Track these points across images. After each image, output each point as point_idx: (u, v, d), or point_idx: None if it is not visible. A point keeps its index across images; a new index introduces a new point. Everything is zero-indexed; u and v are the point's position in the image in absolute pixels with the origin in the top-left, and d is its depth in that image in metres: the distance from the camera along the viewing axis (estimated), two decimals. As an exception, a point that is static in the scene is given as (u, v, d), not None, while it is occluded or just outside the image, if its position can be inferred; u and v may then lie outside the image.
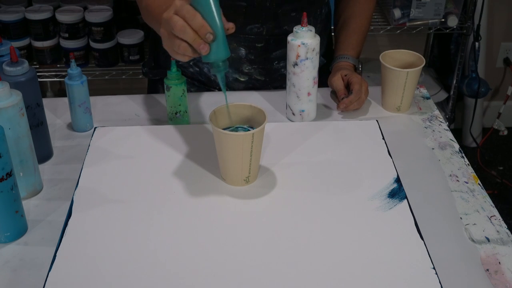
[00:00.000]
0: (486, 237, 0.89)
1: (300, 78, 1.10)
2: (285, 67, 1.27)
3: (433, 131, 1.14)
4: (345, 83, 1.18)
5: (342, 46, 1.27)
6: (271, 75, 1.28)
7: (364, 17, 1.29)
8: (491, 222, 0.92)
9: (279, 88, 1.29)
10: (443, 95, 2.53)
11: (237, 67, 1.26)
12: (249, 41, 1.22)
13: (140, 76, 2.22)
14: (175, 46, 0.87)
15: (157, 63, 1.35)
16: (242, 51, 1.23)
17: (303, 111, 1.14)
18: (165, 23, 0.87)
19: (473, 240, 0.89)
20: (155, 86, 1.37)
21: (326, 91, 1.26)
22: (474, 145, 2.67)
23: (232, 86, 1.29)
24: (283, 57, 1.26)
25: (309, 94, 1.12)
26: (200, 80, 1.30)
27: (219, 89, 1.30)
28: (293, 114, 1.15)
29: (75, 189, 0.95)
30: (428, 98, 1.25)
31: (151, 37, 1.41)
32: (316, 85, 1.13)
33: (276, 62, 1.26)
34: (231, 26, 0.88)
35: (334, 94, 1.22)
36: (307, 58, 1.08)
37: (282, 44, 1.22)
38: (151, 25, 1.10)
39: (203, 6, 0.84)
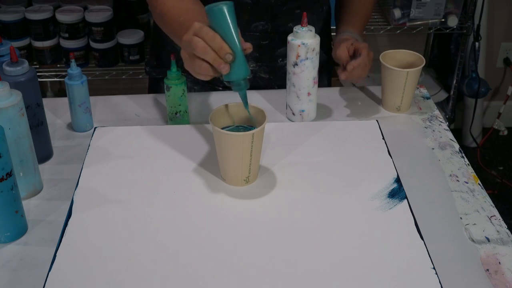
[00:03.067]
0: (486, 237, 0.89)
1: (300, 78, 1.10)
2: None
3: (433, 131, 1.14)
4: (350, 53, 1.17)
5: (345, 23, 1.27)
6: (275, 72, 1.28)
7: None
8: (491, 222, 0.92)
9: (282, 86, 1.29)
10: (443, 95, 2.53)
11: None
12: (254, 39, 1.23)
13: (141, 76, 2.22)
14: (196, 67, 0.89)
15: (160, 62, 1.36)
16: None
17: (303, 111, 1.14)
18: (186, 45, 0.90)
19: (473, 240, 0.89)
20: (156, 85, 1.37)
21: (326, 91, 1.26)
22: (474, 145, 2.67)
23: None
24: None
25: (309, 94, 1.12)
26: (210, 81, 1.30)
27: (224, 87, 1.30)
28: (293, 114, 1.15)
29: (75, 189, 0.95)
30: (428, 98, 1.25)
31: (152, 36, 1.41)
32: (316, 85, 1.13)
33: (280, 59, 1.27)
34: (248, 46, 0.90)
35: (337, 66, 1.20)
36: (307, 58, 1.08)
37: (287, 42, 1.23)
38: (166, 32, 1.11)
39: (222, 27, 0.87)
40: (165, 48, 1.32)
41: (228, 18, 0.86)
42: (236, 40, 0.87)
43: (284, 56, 1.26)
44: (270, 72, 1.27)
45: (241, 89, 0.91)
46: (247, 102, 0.93)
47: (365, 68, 1.15)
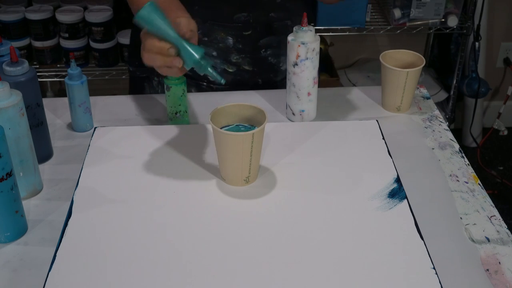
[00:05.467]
0: (486, 237, 0.89)
1: (300, 78, 1.10)
2: (272, 55, 1.28)
3: (433, 131, 1.14)
4: None
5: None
6: (259, 64, 1.28)
7: None
8: (491, 222, 0.92)
9: (267, 80, 1.29)
10: (443, 95, 2.53)
11: (225, 57, 1.26)
12: (236, 30, 1.23)
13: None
14: (163, 73, 0.96)
15: (141, 61, 1.35)
16: (230, 40, 1.24)
17: (303, 111, 1.14)
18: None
19: (473, 240, 0.89)
20: (140, 84, 1.37)
21: (326, 91, 1.26)
22: (474, 145, 2.67)
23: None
24: (270, 45, 1.26)
25: (309, 94, 1.12)
26: (193, 77, 1.30)
27: (208, 83, 1.30)
28: (293, 114, 1.15)
29: (75, 189, 0.95)
30: (428, 98, 1.25)
31: (132, 36, 1.41)
32: (316, 85, 1.13)
33: (263, 50, 1.27)
34: (189, 29, 0.94)
35: None
36: (307, 58, 1.08)
37: (269, 32, 1.24)
38: None
39: (154, 28, 0.91)
40: None
41: (154, 18, 0.90)
42: (170, 32, 0.91)
43: (267, 46, 1.26)
44: (253, 64, 1.27)
45: (205, 68, 0.93)
46: (218, 75, 0.95)
47: None
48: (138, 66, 1.36)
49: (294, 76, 1.10)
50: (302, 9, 1.27)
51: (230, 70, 1.28)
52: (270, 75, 1.31)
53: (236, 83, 1.29)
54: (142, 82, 1.36)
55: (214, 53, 1.25)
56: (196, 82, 1.30)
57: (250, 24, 1.23)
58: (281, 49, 1.28)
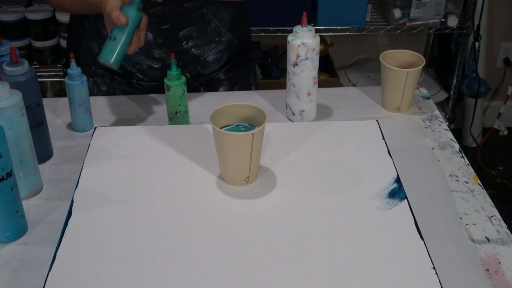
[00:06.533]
0: (486, 237, 0.89)
1: (300, 78, 1.10)
2: (194, 46, 1.27)
3: (433, 131, 1.14)
4: None
5: None
6: (183, 57, 1.27)
7: None
8: (491, 222, 0.92)
9: (194, 73, 1.30)
10: (443, 95, 2.53)
11: (148, 53, 1.25)
12: (154, 24, 1.22)
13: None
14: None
15: (78, 62, 1.34)
16: (150, 35, 1.23)
17: (303, 111, 1.14)
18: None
19: (473, 240, 0.89)
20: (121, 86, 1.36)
21: (326, 91, 1.26)
22: (474, 145, 2.67)
23: (147, 74, 1.29)
24: (191, 36, 1.25)
25: (309, 94, 1.12)
26: (123, 74, 1.31)
27: (138, 80, 1.30)
28: (293, 114, 1.15)
29: (75, 189, 0.95)
30: (428, 98, 1.25)
31: (68, 37, 1.40)
32: (316, 85, 1.13)
33: (184, 42, 1.26)
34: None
35: None
36: (307, 58, 1.07)
37: (187, 23, 1.23)
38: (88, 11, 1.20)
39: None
40: (80, 47, 1.32)
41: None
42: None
43: (188, 38, 1.25)
44: (178, 58, 1.26)
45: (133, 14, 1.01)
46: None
47: None
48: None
49: (294, 76, 1.10)
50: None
51: (156, 66, 1.27)
52: (197, 68, 1.30)
53: (193, 82, 1.29)
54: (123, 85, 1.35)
55: (137, 50, 1.24)
56: (126, 80, 1.30)
57: (166, 17, 1.22)
58: (203, 39, 1.27)
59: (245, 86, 1.39)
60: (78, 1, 1.19)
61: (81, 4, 1.19)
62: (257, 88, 1.43)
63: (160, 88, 1.27)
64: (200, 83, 1.32)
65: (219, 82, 1.35)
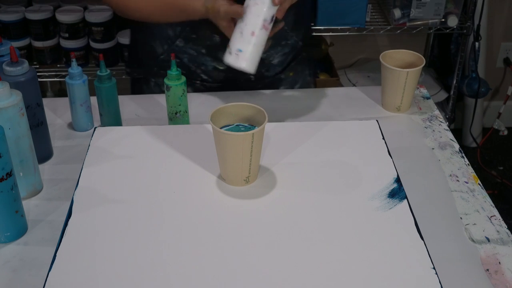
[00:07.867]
0: (486, 237, 0.89)
1: (250, 12, 1.02)
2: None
3: (433, 131, 1.14)
4: None
5: None
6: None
7: None
8: (491, 222, 0.92)
9: (259, 75, 1.28)
10: (443, 95, 2.53)
11: (214, 55, 1.25)
12: None
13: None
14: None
15: (139, 62, 1.35)
16: (217, 38, 1.22)
17: (240, 50, 1.04)
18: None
19: (473, 240, 0.89)
20: (139, 86, 1.37)
21: (326, 91, 1.26)
22: (474, 145, 2.67)
23: (212, 75, 1.29)
24: None
25: (253, 34, 1.03)
26: (187, 76, 1.30)
27: (202, 81, 1.30)
28: (230, 53, 1.05)
29: (75, 189, 0.95)
30: (428, 98, 1.25)
31: (131, 37, 1.41)
32: (265, 32, 1.04)
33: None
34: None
35: None
36: None
37: None
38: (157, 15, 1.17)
39: None
40: (143, 47, 1.32)
41: None
42: None
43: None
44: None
45: None
46: None
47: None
48: (136, 67, 1.36)
49: (246, 10, 1.03)
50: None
51: (221, 68, 1.27)
52: (262, 70, 1.30)
53: (229, 81, 1.28)
54: (140, 83, 1.36)
55: (203, 51, 1.25)
56: (190, 81, 1.30)
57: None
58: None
59: (305, 84, 1.39)
60: (165, 7, 1.16)
61: (169, 10, 1.16)
62: (315, 86, 1.43)
63: (222, 89, 1.28)
64: (263, 85, 1.32)
65: (279, 81, 1.35)
